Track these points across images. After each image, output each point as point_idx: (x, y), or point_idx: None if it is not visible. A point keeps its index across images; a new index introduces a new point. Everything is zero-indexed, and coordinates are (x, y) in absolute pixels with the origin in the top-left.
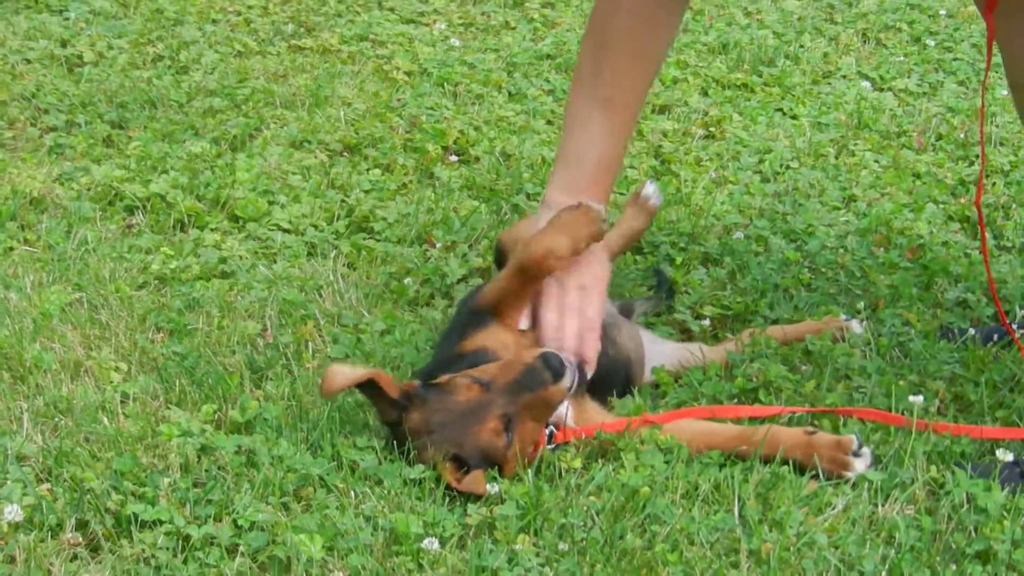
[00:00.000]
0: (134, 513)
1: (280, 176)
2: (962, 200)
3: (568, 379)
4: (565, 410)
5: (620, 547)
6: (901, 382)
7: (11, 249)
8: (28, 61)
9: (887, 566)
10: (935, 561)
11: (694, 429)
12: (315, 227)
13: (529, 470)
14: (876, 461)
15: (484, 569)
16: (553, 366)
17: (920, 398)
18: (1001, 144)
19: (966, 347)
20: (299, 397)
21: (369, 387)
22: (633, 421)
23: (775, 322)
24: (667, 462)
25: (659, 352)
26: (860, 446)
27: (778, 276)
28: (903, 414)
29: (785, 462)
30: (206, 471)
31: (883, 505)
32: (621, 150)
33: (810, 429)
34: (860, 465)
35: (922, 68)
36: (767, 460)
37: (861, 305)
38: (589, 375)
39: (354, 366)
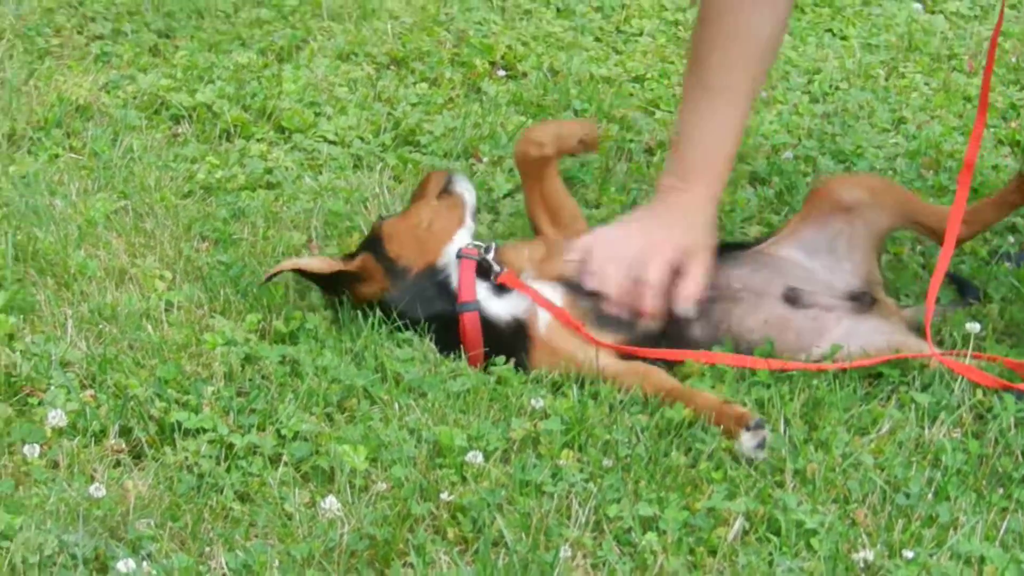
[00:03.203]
0: (177, 421)
1: (327, 88)
2: (1012, 124)
3: None
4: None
5: (664, 464)
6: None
7: (57, 156)
8: None
9: (933, 488)
10: (981, 484)
11: (647, 372)
12: (361, 139)
13: (575, 385)
14: (925, 386)
15: (528, 483)
16: None
17: (977, 325)
18: None
19: (1018, 270)
20: (344, 307)
21: None
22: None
23: None
24: (711, 383)
25: None
26: (759, 425)
27: None
28: (956, 342)
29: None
30: (250, 380)
31: (930, 428)
32: (729, 132)
33: (731, 400)
34: (746, 439)
35: None
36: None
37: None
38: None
39: None
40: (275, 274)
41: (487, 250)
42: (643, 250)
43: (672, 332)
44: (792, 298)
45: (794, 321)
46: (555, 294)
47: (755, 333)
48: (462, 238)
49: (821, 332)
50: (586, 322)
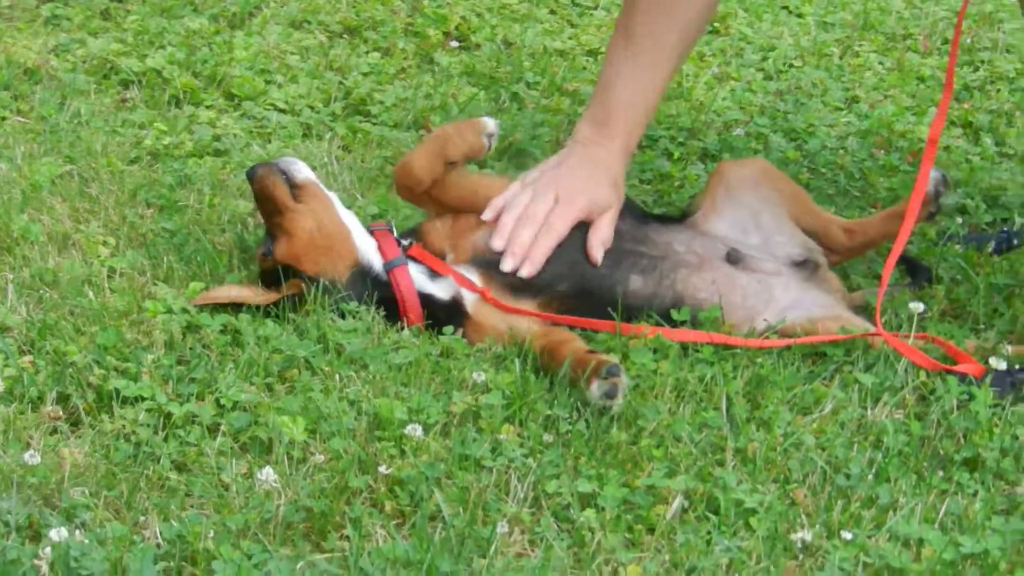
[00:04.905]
0: (116, 388)
1: (278, 56)
2: (965, 105)
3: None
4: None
5: (605, 440)
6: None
7: (3, 119)
8: None
9: (874, 469)
10: (922, 466)
11: (548, 331)
12: (311, 108)
13: (517, 360)
14: (868, 367)
15: (467, 457)
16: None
17: (921, 305)
18: (1008, 51)
19: (967, 251)
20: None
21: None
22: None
23: None
24: (655, 359)
25: None
26: (613, 373)
27: None
28: (903, 322)
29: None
30: (190, 349)
31: (872, 409)
32: (649, 86)
33: (596, 351)
34: (594, 387)
35: None
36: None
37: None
38: (525, 272)
39: None
40: (207, 304)
41: (390, 227)
42: (552, 211)
43: (606, 286)
44: (734, 259)
45: (740, 280)
46: (473, 272)
47: (702, 292)
48: (348, 217)
49: (768, 298)
50: (503, 292)
